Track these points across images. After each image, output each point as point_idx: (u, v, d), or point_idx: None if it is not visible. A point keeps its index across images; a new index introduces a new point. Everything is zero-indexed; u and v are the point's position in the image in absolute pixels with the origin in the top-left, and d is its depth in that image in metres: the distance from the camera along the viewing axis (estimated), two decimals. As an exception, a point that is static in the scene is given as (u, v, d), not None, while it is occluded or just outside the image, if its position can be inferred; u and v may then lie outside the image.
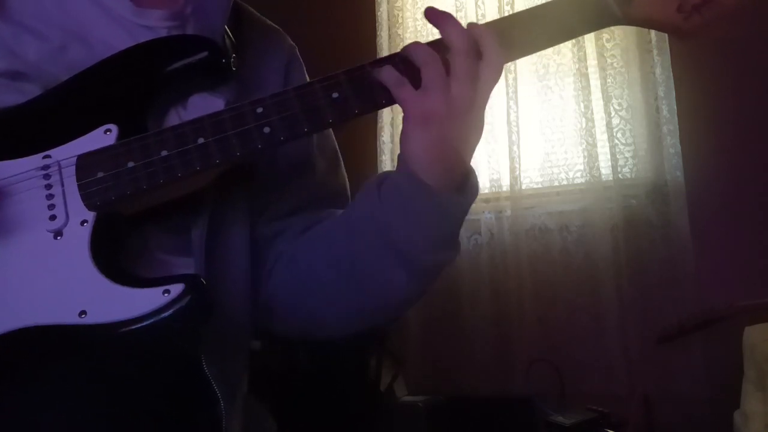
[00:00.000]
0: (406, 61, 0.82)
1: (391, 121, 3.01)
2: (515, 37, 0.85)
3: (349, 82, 0.82)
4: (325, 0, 3.24)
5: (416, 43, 0.83)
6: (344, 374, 2.54)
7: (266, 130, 0.79)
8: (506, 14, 2.81)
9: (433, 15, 0.82)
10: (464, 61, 0.79)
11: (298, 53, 1.05)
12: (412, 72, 0.81)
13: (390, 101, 0.82)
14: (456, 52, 0.80)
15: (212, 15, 0.91)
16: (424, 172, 0.80)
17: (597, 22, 0.87)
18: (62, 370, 0.77)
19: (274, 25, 1.06)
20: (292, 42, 1.06)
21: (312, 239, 0.93)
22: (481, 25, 0.85)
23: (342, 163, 1.06)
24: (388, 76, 0.81)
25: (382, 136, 3.00)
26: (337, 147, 1.06)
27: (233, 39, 0.93)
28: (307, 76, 1.04)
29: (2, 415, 0.76)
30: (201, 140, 0.79)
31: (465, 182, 0.85)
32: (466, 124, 0.81)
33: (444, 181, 0.81)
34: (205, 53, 0.85)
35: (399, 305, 0.92)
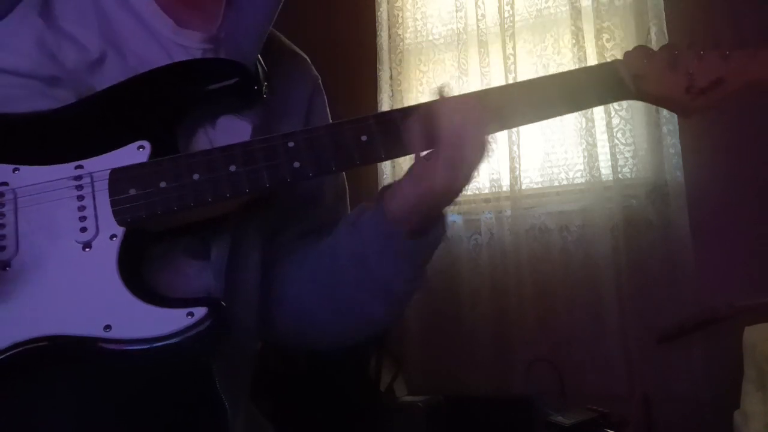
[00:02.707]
0: (431, 119, 0.84)
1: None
2: (534, 101, 0.89)
3: (378, 126, 0.85)
4: (325, 0, 3.24)
5: (449, 113, 0.83)
6: (344, 374, 2.54)
7: (296, 165, 0.82)
8: (506, 14, 2.81)
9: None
10: (467, 153, 0.82)
11: (321, 85, 1.08)
12: (433, 130, 0.83)
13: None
14: (458, 146, 0.81)
15: (245, 42, 0.93)
16: (404, 218, 0.86)
17: (612, 96, 0.93)
18: (72, 376, 0.77)
19: (301, 52, 1.09)
20: (316, 73, 1.09)
21: (300, 270, 0.97)
22: (480, 95, 0.88)
23: (347, 195, 1.10)
24: (414, 137, 0.83)
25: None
26: (345, 180, 1.10)
27: (264, 66, 0.95)
28: (328, 109, 1.08)
29: (12, 418, 0.77)
30: (233, 168, 0.81)
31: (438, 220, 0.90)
32: (456, 192, 0.85)
33: (419, 225, 0.87)
34: (237, 79, 0.88)
35: (379, 324, 0.97)
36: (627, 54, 0.92)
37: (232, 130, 0.88)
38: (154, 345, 0.75)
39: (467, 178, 0.83)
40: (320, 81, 1.08)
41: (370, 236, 0.89)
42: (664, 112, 2.58)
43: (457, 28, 2.98)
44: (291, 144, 0.82)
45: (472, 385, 2.78)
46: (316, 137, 0.83)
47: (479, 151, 0.82)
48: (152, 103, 0.86)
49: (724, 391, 1.92)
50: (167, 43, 0.91)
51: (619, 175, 2.64)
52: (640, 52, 0.92)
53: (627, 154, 2.66)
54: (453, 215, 2.93)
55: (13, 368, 0.75)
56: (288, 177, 0.82)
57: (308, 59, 1.09)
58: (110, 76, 0.86)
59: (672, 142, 2.57)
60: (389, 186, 0.90)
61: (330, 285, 0.94)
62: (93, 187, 0.80)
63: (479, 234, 2.87)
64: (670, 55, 0.90)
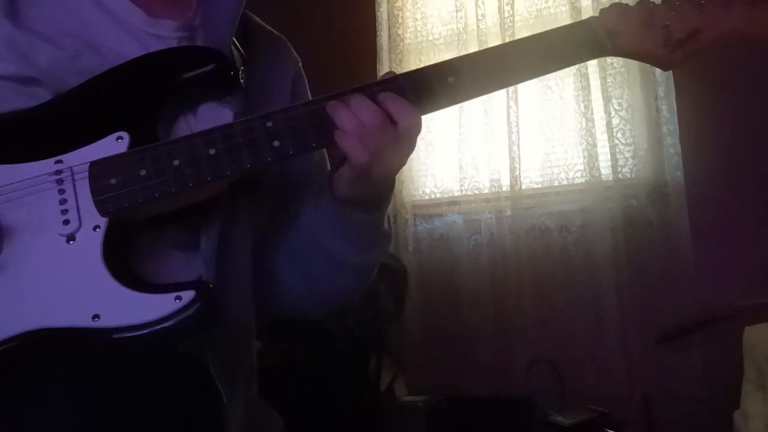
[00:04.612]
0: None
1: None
2: (513, 63, 0.90)
3: None
4: (325, 0, 3.24)
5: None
6: (344, 374, 2.54)
7: (276, 143, 0.82)
8: (506, 14, 2.81)
9: (334, 109, 0.83)
10: (381, 136, 0.82)
11: (302, 66, 1.08)
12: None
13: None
14: (371, 129, 0.81)
15: (220, 27, 0.92)
16: (350, 195, 0.89)
17: (589, 53, 0.93)
18: (66, 370, 0.77)
19: (280, 35, 1.08)
20: (296, 55, 1.08)
21: (282, 253, 0.99)
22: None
23: None
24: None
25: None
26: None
27: (242, 51, 0.95)
28: (308, 89, 1.07)
29: (8, 414, 0.77)
30: (212, 151, 0.81)
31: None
32: (394, 169, 0.87)
33: (366, 198, 0.89)
34: (213, 65, 0.87)
35: (353, 293, 1.02)
36: (603, 11, 0.92)
37: (213, 117, 0.87)
38: (144, 331, 0.75)
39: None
40: (300, 63, 1.08)
41: (324, 214, 0.91)
42: (665, 111, 2.58)
43: (457, 28, 2.98)
44: (269, 124, 0.82)
45: (472, 385, 2.78)
46: (294, 115, 0.83)
47: (384, 137, 0.82)
48: (129, 95, 0.85)
49: (724, 391, 1.92)
50: (141, 35, 0.91)
51: (619, 175, 2.64)
52: (616, 8, 0.92)
53: (627, 154, 2.66)
54: (453, 215, 2.94)
55: (5, 365, 0.75)
56: (269, 156, 0.82)
57: (287, 40, 1.08)
58: (88, 72, 0.85)
59: (672, 142, 2.57)
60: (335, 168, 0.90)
61: (302, 259, 0.96)
62: (73, 180, 0.80)
63: (479, 234, 2.87)
64: (645, 10, 0.91)
